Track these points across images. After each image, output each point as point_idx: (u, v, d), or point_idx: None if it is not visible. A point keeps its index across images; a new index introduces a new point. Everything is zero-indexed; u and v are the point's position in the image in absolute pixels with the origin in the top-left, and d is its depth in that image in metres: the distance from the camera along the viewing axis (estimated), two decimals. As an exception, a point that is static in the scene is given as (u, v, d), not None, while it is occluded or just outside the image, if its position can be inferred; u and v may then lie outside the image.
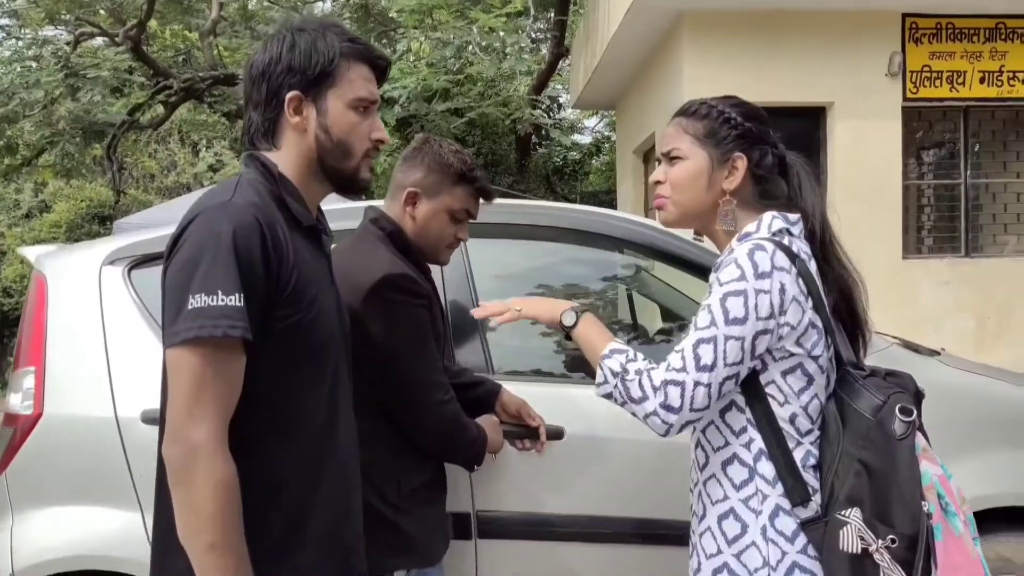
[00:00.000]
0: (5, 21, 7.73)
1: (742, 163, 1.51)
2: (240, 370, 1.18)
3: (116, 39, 8.06)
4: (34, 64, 7.16)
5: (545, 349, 2.67)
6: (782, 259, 1.41)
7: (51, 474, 2.14)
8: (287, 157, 1.34)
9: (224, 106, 10.12)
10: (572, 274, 2.94)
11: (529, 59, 7.88)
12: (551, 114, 12.88)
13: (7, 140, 7.92)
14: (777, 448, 1.43)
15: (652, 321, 3.32)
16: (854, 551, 1.34)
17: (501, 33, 6.00)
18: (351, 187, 1.39)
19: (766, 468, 1.44)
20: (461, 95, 6.65)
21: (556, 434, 2.10)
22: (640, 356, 1.47)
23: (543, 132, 10.83)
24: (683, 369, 1.39)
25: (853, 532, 1.34)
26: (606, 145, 14.23)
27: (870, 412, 1.37)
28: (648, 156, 8.45)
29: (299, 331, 1.25)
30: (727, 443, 1.47)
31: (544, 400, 2.12)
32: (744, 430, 1.45)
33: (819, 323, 1.44)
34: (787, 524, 1.42)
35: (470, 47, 6.06)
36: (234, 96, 8.51)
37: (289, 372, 1.26)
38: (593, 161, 14.53)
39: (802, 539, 1.41)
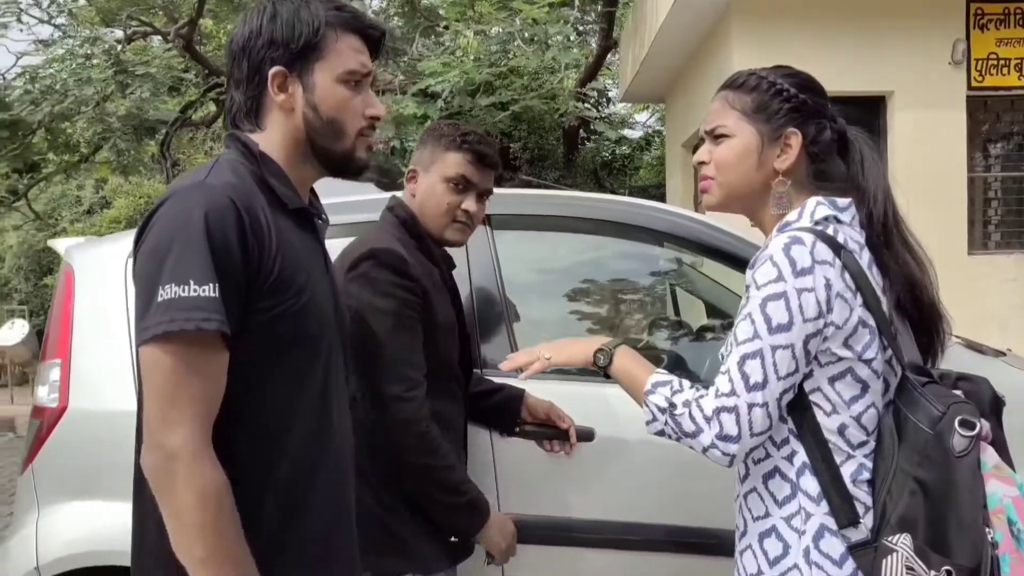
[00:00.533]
0: (61, 20, 7.96)
1: (796, 140, 1.36)
2: (221, 366, 1.09)
3: (168, 37, 8.21)
4: (85, 62, 7.32)
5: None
6: (823, 251, 1.27)
7: (76, 468, 2.13)
8: (272, 138, 1.24)
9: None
10: (610, 269, 2.84)
11: (576, 52, 7.75)
12: (600, 108, 12.72)
13: (65, 137, 8.15)
14: (822, 462, 1.29)
15: (697, 317, 3.19)
16: None
17: (544, 24, 5.88)
18: (345, 169, 1.28)
19: (810, 484, 1.30)
20: (504, 88, 6.55)
21: (586, 435, 2.00)
22: (687, 384, 1.34)
23: (591, 126, 10.68)
24: (732, 392, 1.26)
25: (900, 561, 1.19)
26: (657, 139, 14.02)
27: (928, 424, 1.22)
28: (697, 149, 8.25)
29: (286, 322, 1.15)
30: (768, 455, 1.34)
31: (573, 400, 2.02)
32: (786, 441, 1.32)
33: (871, 322, 1.29)
34: (834, 546, 1.28)
35: (515, 40, 5.97)
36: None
37: (276, 366, 1.17)
38: (644, 156, 14.34)
39: (851, 564, 1.27)
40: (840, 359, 1.29)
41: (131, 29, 8.35)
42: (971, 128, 6.45)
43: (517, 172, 10.34)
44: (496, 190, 2.36)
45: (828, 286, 1.25)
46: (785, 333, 1.24)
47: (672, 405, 1.31)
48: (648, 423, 1.36)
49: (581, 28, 11.94)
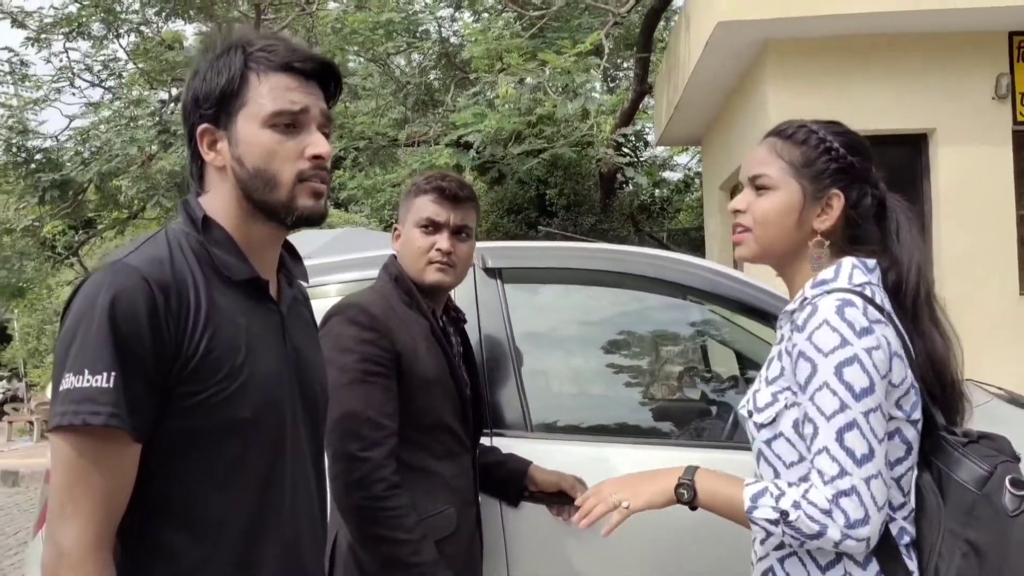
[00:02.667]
0: (111, 83, 8.30)
1: (839, 202, 1.33)
2: (126, 460, 1.03)
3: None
4: (129, 123, 7.60)
5: (590, 401, 2.49)
6: (875, 313, 1.25)
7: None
8: (215, 200, 1.17)
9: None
10: (630, 321, 2.76)
11: (604, 99, 7.75)
12: (637, 152, 12.70)
13: (114, 195, 8.45)
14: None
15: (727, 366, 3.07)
16: None
17: (571, 74, 5.89)
18: (290, 220, 1.15)
19: (822, 553, 1.27)
20: (533, 136, 6.56)
21: None
22: (782, 483, 1.27)
23: (626, 171, 10.67)
24: (843, 472, 1.19)
25: None
26: (697, 181, 13.94)
27: (974, 484, 1.22)
28: (735, 192, 8.14)
29: (214, 409, 1.08)
30: None
31: (586, 462, 1.94)
32: None
33: (917, 383, 1.28)
34: None
35: (542, 90, 5.98)
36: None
37: (204, 457, 1.09)
38: (684, 198, 14.25)
39: None
40: (891, 418, 1.25)
41: (177, 90, 8.66)
42: (1019, 165, 6.22)
43: (553, 218, 10.33)
44: (507, 243, 2.32)
45: (889, 344, 1.24)
46: (872, 396, 1.20)
47: (783, 513, 1.22)
48: (763, 541, 1.29)
49: (615, 74, 11.98)
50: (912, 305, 1.32)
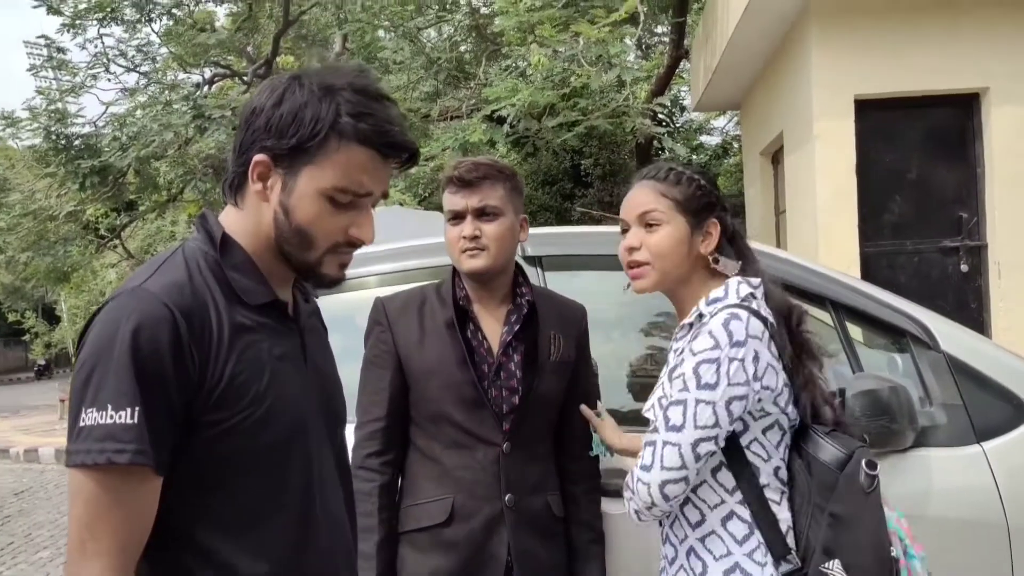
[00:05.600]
0: (145, 68, 8.34)
1: (716, 229, 1.57)
2: (147, 495, 1.00)
3: (245, 79, 8.47)
4: (165, 108, 7.64)
5: (634, 385, 2.45)
6: (756, 326, 1.44)
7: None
8: (246, 221, 1.14)
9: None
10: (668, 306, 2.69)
11: (635, 68, 7.53)
12: (673, 119, 12.45)
13: (153, 178, 8.55)
14: (758, 505, 1.46)
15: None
16: None
17: (606, 43, 5.72)
18: (311, 280, 1.16)
19: (736, 528, 1.47)
20: (568, 109, 6.42)
21: None
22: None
23: (664, 137, 10.47)
24: (654, 430, 1.47)
25: None
26: (735, 145, 13.63)
27: (835, 465, 1.43)
28: (777, 157, 7.94)
29: (244, 434, 1.05)
30: (706, 515, 1.49)
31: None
32: (722, 502, 1.49)
33: (787, 381, 1.49)
34: None
35: (576, 61, 5.82)
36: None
37: (238, 483, 1.06)
38: (722, 163, 13.96)
39: None
40: (769, 414, 1.48)
41: (213, 73, 8.68)
42: (1077, 123, 5.94)
43: (588, 188, 10.19)
44: (547, 230, 2.28)
45: (756, 359, 1.42)
46: (710, 391, 1.41)
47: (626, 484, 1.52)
48: (672, 525, 1.57)
49: (648, 42, 11.70)
50: (787, 322, 1.52)
